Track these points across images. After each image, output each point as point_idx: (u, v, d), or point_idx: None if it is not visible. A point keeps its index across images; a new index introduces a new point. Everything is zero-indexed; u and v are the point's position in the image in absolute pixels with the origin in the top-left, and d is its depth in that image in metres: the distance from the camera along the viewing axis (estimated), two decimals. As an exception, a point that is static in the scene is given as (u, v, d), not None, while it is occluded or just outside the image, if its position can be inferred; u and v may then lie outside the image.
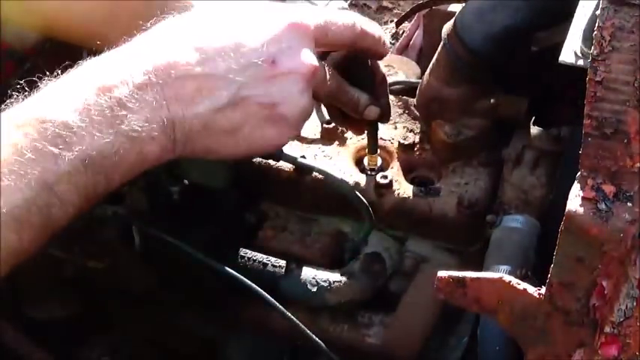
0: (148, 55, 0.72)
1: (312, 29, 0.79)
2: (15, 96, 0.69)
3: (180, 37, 0.74)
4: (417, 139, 1.12)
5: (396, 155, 1.11)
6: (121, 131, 0.68)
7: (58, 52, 1.19)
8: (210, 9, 0.78)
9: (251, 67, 0.74)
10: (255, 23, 0.76)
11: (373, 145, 1.05)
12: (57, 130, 0.66)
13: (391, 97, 1.17)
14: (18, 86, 0.70)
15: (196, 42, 0.74)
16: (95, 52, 0.75)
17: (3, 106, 0.68)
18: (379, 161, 1.09)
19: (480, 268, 0.96)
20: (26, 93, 0.70)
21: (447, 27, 1.05)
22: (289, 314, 0.97)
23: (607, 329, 0.59)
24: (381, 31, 0.87)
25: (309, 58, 0.78)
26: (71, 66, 0.73)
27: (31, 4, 0.94)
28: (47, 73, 0.72)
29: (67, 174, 0.66)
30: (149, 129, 0.70)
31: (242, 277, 0.96)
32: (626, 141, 0.58)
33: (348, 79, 0.93)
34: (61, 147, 0.65)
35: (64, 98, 0.68)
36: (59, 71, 0.72)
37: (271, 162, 1.06)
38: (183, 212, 1.06)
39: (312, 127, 1.15)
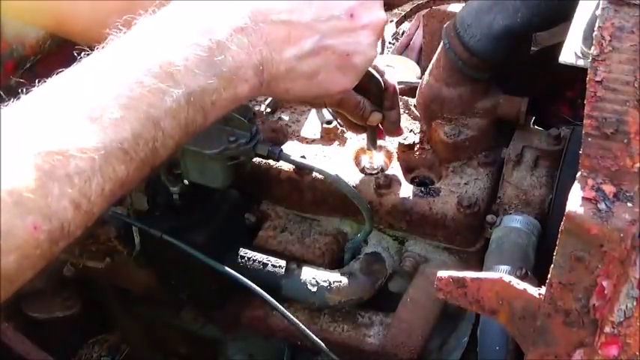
0: (243, 0, 0.76)
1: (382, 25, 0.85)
2: (113, 34, 0.72)
3: None
4: (417, 139, 1.12)
5: (396, 155, 1.11)
6: (220, 71, 0.72)
7: (59, 52, 1.20)
8: None
9: (333, 18, 0.80)
10: None
11: (372, 141, 1.05)
12: (164, 68, 0.68)
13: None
14: (116, 24, 0.73)
15: None
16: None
17: (100, 46, 0.71)
18: (379, 161, 1.09)
19: (480, 268, 0.96)
20: (123, 31, 0.72)
21: (447, 27, 1.05)
22: (289, 314, 0.97)
23: (607, 329, 0.59)
24: None
25: (381, 13, 0.84)
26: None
27: (37, 3, 0.95)
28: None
29: (172, 110, 0.68)
30: (244, 70, 0.74)
31: (242, 277, 0.96)
32: (626, 141, 0.58)
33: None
34: (168, 84, 0.68)
35: (167, 37, 0.71)
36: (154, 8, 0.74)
37: (271, 162, 1.06)
38: (183, 212, 1.06)
39: (312, 127, 1.15)
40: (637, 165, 0.58)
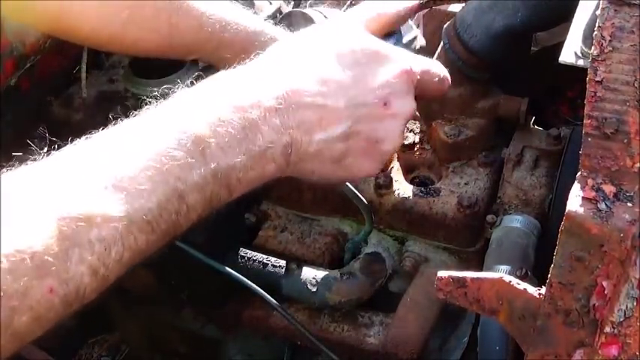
0: (278, 80, 0.76)
1: (417, 77, 0.84)
2: (148, 103, 0.73)
3: (306, 66, 0.78)
4: (417, 139, 1.12)
5: (396, 155, 1.11)
6: (250, 150, 0.72)
7: (59, 51, 1.20)
8: (328, 39, 0.81)
9: (366, 105, 0.80)
10: (372, 63, 0.81)
11: None
12: (195, 143, 0.68)
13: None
14: (155, 93, 0.74)
15: (320, 74, 0.78)
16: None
17: (137, 111, 0.72)
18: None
19: (480, 268, 0.96)
20: (160, 100, 0.73)
21: (446, 27, 1.06)
22: (289, 314, 0.97)
23: (607, 329, 0.59)
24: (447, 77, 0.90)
25: (413, 102, 0.84)
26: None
27: (38, 3, 0.95)
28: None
29: (198, 185, 0.69)
30: (272, 151, 0.74)
31: (242, 277, 0.96)
32: (626, 141, 0.58)
33: None
34: (197, 159, 0.68)
35: (201, 111, 0.71)
36: (192, 80, 0.75)
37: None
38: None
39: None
40: (637, 165, 0.58)
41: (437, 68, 0.86)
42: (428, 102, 1.05)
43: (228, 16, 1.02)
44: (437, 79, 0.85)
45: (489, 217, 1.03)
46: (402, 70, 0.81)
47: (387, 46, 0.82)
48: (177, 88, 0.75)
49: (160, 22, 1.00)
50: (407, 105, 0.83)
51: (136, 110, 0.73)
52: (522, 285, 0.66)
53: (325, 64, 0.78)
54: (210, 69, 1.13)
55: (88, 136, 0.69)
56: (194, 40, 1.03)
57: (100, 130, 0.70)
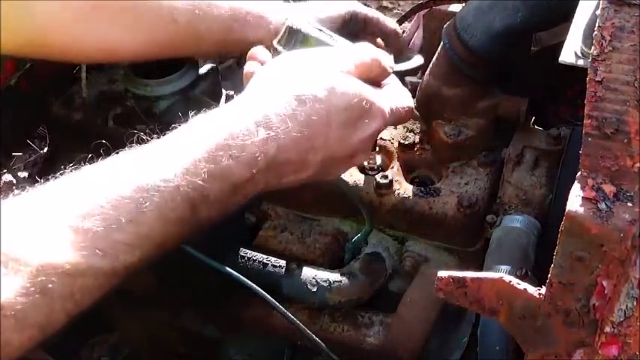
0: (268, 133, 0.77)
1: (388, 122, 0.88)
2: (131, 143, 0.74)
3: (299, 118, 0.79)
4: (417, 139, 1.12)
5: (396, 155, 1.11)
6: (229, 183, 0.76)
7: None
8: (323, 89, 0.81)
9: (337, 158, 0.84)
10: (357, 123, 0.83)
11: None
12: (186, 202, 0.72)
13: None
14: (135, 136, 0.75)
15: (311, 133, 0.80)
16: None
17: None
18: (379, 160, 1.09)
19: (480, 268, 0.96)
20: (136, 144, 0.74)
21: (447, 27, 1.06)
22: (290, 314, 0.97)
23: (607, 329, 0.59)
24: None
25: (370, 150, 0.90)
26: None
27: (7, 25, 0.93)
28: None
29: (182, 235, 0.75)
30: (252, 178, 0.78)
31: (242, 277, 0.96)
32: (626, 141, 0.58)
33: None
34: (188, 217, 0.72)
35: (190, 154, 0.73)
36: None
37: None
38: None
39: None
40: (637, 165, 0.58)
41: (406, 101, 0.90)
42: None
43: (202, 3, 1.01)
44: (405, 115, 0.90)
45: (489, 217, 1.03)
46: (377, 128, 0.85)
47: (374, 97, 0.84)
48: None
49: (131, 23, 1.00)
50: (367, 156, 0.94)
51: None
52: (522, 285, 0.66)
53: (318, 121, 0.79)
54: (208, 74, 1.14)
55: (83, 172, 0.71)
56: (170, 38, 1.02)
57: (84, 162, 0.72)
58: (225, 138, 0.74)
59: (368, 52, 0.88)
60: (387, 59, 0.89)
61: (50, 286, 0.63)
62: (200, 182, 0.71)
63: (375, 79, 0.87)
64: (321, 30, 0.92)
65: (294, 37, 0.90)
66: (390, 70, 0.89)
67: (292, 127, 0.77)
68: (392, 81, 0.91)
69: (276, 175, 0.79)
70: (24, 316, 0.61)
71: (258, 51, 0.93)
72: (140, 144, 0.74)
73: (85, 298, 0.66)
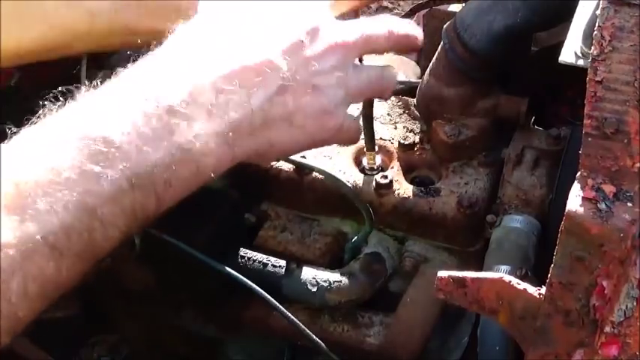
0: (192, 59, 0.67)
1: (352, 48, 0.77)
2: (48, 107, 0.63)
3: (220, 34, 0.70)
4: (417, 139, 1.12)
5: (396, 155, 1.11)
6: (172, 143, 0.62)
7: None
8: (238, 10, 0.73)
9: (288, 49, 0.72)
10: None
11: (370, 143, 1.05)
12: (98, 147, 0.58)
13: (391, 97, 1.18)
14: (51, 95, 0.63)
15: (235, 35, 0.70)
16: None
17: (34, 118, 0.62)
18: (378, 160, 1.09)
19: (480, 268, 0.96)
20: (60, 103, 0.63)
21: (446, 27, 1.06)
22: (289, 314, 0.97)
23: (607, 329, 0.59)
24: (415, 28, 0.83)
25: (341, 32, 0.76)
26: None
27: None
28: (85, 81, 0.65)
29: (111, 195, 0.59)
30: (204, 137, 0.64)
31: (242, 277, 0.96)
32: (626, 141, 0.58)
33: None
34: (102, 165, 0.58)
35: (104, 110, 0.62)
36: (98, 81, 0.65)
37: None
38: (182, 212, 1.06)
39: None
40: (637, 165, 0.58)
41: (406, 28, 0.81)
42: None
43: None
44: (384, 41, 0.79)
45: (489, 217, 1.03)
46: (332, 44, 0.74)
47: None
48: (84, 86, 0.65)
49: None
50: (335, 35, 0.75)
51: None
52: (522, 285, 0.66)
53: (233, 22, 0.70)
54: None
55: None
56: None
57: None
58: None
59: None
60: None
61: None
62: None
63: None
64: None
65: None
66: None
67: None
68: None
69: (236, 103, 0.66)
70: None
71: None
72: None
73: (48, 278, 0.56)
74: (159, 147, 0.61)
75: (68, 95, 0.63)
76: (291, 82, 0.71)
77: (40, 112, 0.62)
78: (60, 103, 0.63)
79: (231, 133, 0.66)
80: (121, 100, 0.63)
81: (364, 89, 0.82)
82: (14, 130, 0.61)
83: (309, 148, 0.83)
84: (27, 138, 0.60)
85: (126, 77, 0.67)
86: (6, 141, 0.60)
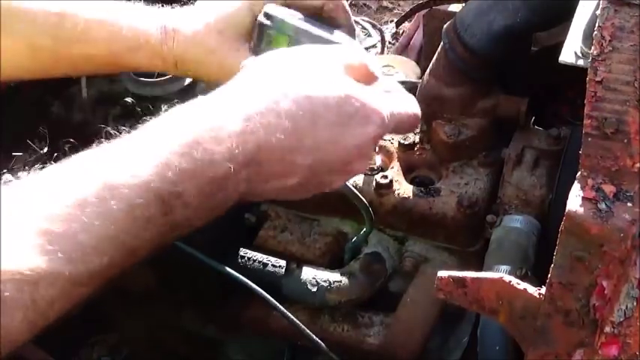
0: (250, 130, 0.71)
1: (389, 129, 0.80)
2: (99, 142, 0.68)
3: (285, 115, 0.73)
4: (417, 139, 1.12)
5: (396, 155, 1.11)
6: (209, 200, 0.69)
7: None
8: (313, 87, 0.74)
9: (329, 165, 0.77)
10: (351, 123, 0.76)
11: None
12: (157, 197, 0.65)
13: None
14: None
15: (298, 129, 0.73)
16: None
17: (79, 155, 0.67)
18: (378, 160, 1.09)
19: (480, 268, 0.96)
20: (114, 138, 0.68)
21: (447, 27, 1.06)
22: (290, 314, 0.97)
23: (607, 329, 0.59)
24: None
25: (370, 160, 0.85)
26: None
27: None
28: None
29: (154, 240, 0.67)
30: (226, 194, 0.70)
31: (242, 277, 0.96)
32: (626, 141, 0.58)
33: None
34: (158, 214, 0.65)
35: (166, 158, 0.66)
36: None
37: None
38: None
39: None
40: (637, 165, 0.58)
41: (411, 107, 0.82)
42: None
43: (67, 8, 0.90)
44: (408, 121, 0.81)
45: (489, 217, 1.03)
46: (377, 134, 0.77)
47: (367, 97, 0.76)
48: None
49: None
50: (365, 165, 0.81)
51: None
52: (522, 285, 0.66)
53: (304, 118, 0.73)
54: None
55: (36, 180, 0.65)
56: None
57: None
58: (200, 131, 0.68)
59: (356, 54, 0.81)
60: (374, 64, 0.82)
61: (7, 294, 0.57)
62: (172, 177, 0.65)
63: (368, 83, 0.81)
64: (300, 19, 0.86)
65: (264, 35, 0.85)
66: (378, 76, 0.82)
67: (273, 123, 0.71)
68: (395, 87, 0.85)
69: (259, 176, 0.72)
70: None
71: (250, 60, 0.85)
72: (110, 139, 0.69)
73: (50, 308, 0.61)
74: (203, 205, 0.68)
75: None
76: (307, 179, 0.77)
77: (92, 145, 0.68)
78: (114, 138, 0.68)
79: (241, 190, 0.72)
80: (179, 153, 0.67)
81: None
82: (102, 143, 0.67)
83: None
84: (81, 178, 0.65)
85: (179, 124, 0.70)
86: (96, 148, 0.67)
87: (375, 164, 1.08)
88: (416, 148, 1.11)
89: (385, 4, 2.62)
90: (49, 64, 0.93)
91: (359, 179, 1.07)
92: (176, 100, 1.12)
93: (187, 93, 1.13)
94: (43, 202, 0.62)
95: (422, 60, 1.39)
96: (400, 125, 0.81)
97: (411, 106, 0.82)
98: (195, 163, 0.66)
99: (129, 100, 1.12)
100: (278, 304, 0.96)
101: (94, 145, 0.68)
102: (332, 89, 0.74)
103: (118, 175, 0.64)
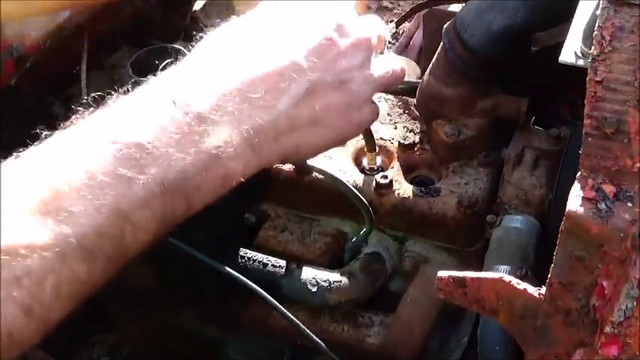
0: (219, 66, 0.69)
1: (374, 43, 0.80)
2: (80, 112, 0.65)
3: (241, 43, 0.71)
4: (417, 139, 1.12)
5: (396, 155, 1.11)
6: (201, 149, 0.64)
7: (59, 51, 1.20)
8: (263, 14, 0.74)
9: (315, 49, 0.72)
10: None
11: (371, 143, 1.05)
12: (130, 152, 0.60)
13: (391, 97, 1.17)
14: (83, 101, 0.65)
15: (252, 44, 0.71)
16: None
17: (67, 122, 0.64)
18: (379, 160, 1.09)
19: (480, 268, 0.96)
20: (92, 109, 0.65)
21: (446, 27, 1.06)
22: (290, 314, 0.97)
23: (607, 329, 0.59)
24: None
25: (363, 30, 0.78)
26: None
27: None
28: (114, 88, 0.66)
29: (143, 199, 0.60)
30: (231, 143, 0.66)
31: (242, 277, 0.96)
32: (626, 141, 0.58)
33: None
34: (135, 170, 0.60)
35: (136, 116, 0.63)
36: (129, 86, 0.67)
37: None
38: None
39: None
40: (637, 165, 0.58)
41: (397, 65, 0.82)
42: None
43: None
44: (394, 73, 0.81)
45: (489, 217, 1.03)
46: (363, 56, 0.76)
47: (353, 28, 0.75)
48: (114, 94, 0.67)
49: None
50: (357, 33, 0.76)
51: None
52: (522, 285, 0.66)
53: (257, 32, 0.71)
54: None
55: (16, 154, 0.61)
56: None
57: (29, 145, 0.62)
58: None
59: (343, 15, 0.77)
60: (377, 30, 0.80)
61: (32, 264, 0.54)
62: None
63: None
64: None
65: None
66: (383, 39, 0.80)
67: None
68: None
69: (263, 106, 0.68)
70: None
71: None
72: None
73: (35, 289, 0.56)
74: (189, 153, 0.63)
75: (100, 101, 0.66)
76: (319, 82, 0.72)
77: (73, 116, 0.65)
78: (92, 108, 0.65)
79: (257, 139, 0.68)
80: (152, 106, 0.64)
81: (387, 81, 0.83)
82: (47, 133, 0.63)
83: (334, 145, 0.83)
84: (60, 142, 0.62)
85: (156, 84, 0.68)
86: (37, 143, 0.62)
87: (375, 164, 1.08)
88: (416, 148, 1.11)
89: (385, 4, 2.62)
90: None
91: (359, 179, 1.07)
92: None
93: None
94: (49, 170, 0.59)
95: (422, 60, 1.39)
96: (388, 75, 0.80)
97: (397, 63, 0.82)
98: (184, 117, 0.64)
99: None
100: (278, 304, 0.96)
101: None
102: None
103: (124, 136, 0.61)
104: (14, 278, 0.54)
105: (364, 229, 1.05)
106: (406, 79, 1.23)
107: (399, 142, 1.11)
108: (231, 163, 0.66)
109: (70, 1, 0.99)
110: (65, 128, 0.64)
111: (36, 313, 0.56)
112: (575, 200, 0.58)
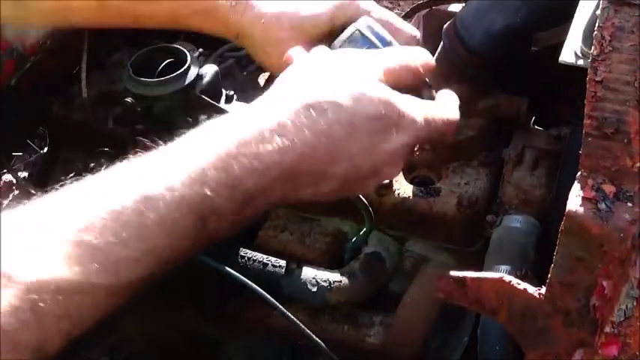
0: (288, 142, 0.71)
1: (424, 138, 0.81)
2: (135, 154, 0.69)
3: (320, 131, 0.73)
4: (417, 139, 1.11)
5: (395, 155, 1.11)
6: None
7: (59, 51, 1.20)
8: (349, 98, 0.74)
9: (360, 172, 0.77)
10: (386, 133, 0.76)
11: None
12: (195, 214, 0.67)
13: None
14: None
15: (334, 143, 0.73)
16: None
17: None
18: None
19: (480, 268, 0.96)
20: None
21: (446, 27, 1.06)
22: (290, 314, 0.97)
23: (607, 329, 0.59)
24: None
25: (399, 170, 0.83)
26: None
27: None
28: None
29: (187, 251, 0.71)
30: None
31: (242, 277, 0.96)
32: (626, 141, 0.58)
33: None
34: (196, 231, 0.68)
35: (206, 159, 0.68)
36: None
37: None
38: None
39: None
40: (637, 165, 0.58)
41: (447, 113, 0.81)
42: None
43: None
44: (443, 128, 0.81)
45: (489, 217, 1.03)
46: (410, 141, 0.78)
47: (402, 104, 0.76)
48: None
49: None
50: (397, 171, 0.82)
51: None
52: (522, 285, 0.66)
53: (340, 130, 0.73)
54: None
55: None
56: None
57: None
58: (237, 145, 0.68)
59: (396, 56, 0.80)
60: (417, 60, 0.81)
61: (42, 304, 0.58)
62: (208, 192, 0.66)
63: (409, 86, 0.80)
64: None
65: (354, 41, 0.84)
66: (422, 72, 0.81)
67: (311, 136, 0.70)
68: (444, 94, 0.84)
69: (293, 186, 0.73)
70: (13, 337, 0.56)
71: (295, 53, 0.86)
72: (145, 150, 0.70)
73: (83, 318, 0.62)
74: (228, 194, 0.69)
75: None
76: (353, 166, 0.75)
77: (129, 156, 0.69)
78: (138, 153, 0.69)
79: (280, 183, 0.72)
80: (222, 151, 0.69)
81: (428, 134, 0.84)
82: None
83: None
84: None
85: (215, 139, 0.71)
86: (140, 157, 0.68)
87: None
88: (416, 148, 1.11)
89: (385, 4, 2.62)
90: (115, 19, 0.99)
91: (359, 179, 1.07)
92: (177, 98, 1.11)
93: (187, 92, 1.13)
94: (78, 213, 0.62)
95: (422, 60, 1.39)
96: (434, 132, 0.80)
97: (447, 111, 0.82)
98: (232, 179, 0.67)
99: (129, 100, 1.12)
100: (278, 304, 0.96)
101: (130, 155, 0.68)
102: (370, 100, 0.74)
103: (155, 187, 0.65)
104: (65, 313, 0.61)
105: (364, 229, 1.05)
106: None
107: (399, 142, 1.11)
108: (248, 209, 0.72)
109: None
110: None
111: (74, 334, 0.65)
112: (575, 200, 0.58)
